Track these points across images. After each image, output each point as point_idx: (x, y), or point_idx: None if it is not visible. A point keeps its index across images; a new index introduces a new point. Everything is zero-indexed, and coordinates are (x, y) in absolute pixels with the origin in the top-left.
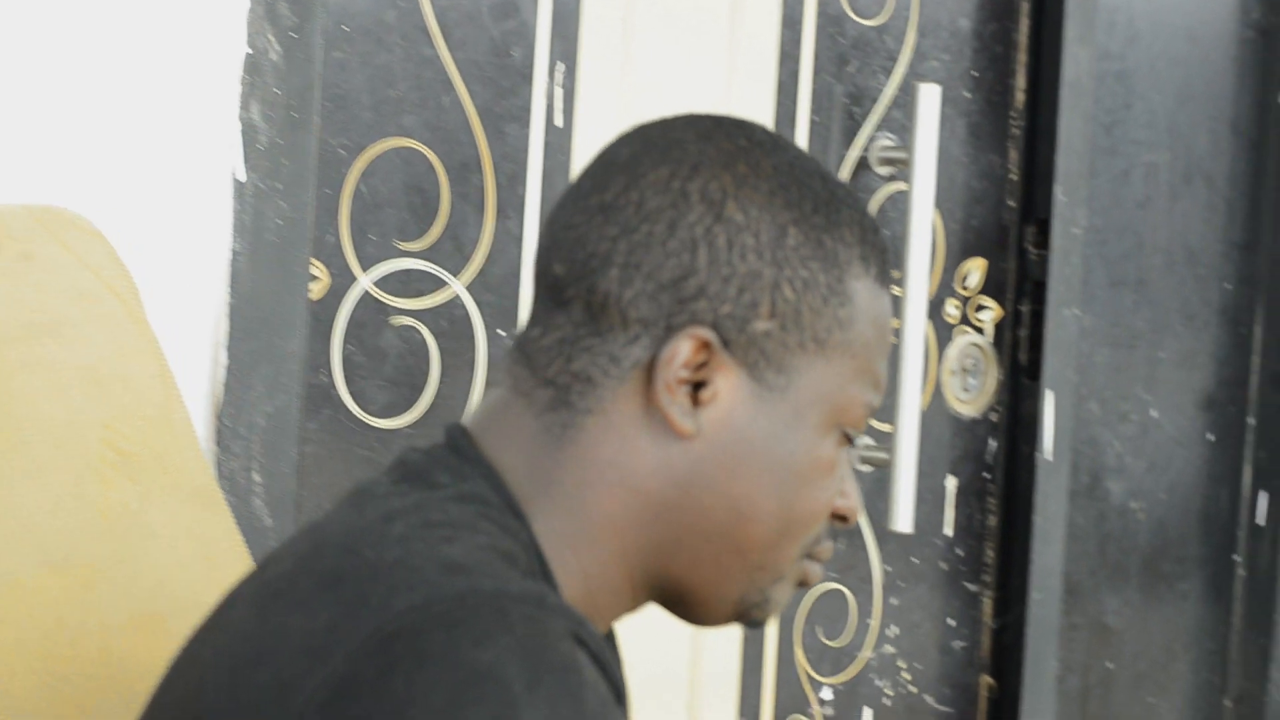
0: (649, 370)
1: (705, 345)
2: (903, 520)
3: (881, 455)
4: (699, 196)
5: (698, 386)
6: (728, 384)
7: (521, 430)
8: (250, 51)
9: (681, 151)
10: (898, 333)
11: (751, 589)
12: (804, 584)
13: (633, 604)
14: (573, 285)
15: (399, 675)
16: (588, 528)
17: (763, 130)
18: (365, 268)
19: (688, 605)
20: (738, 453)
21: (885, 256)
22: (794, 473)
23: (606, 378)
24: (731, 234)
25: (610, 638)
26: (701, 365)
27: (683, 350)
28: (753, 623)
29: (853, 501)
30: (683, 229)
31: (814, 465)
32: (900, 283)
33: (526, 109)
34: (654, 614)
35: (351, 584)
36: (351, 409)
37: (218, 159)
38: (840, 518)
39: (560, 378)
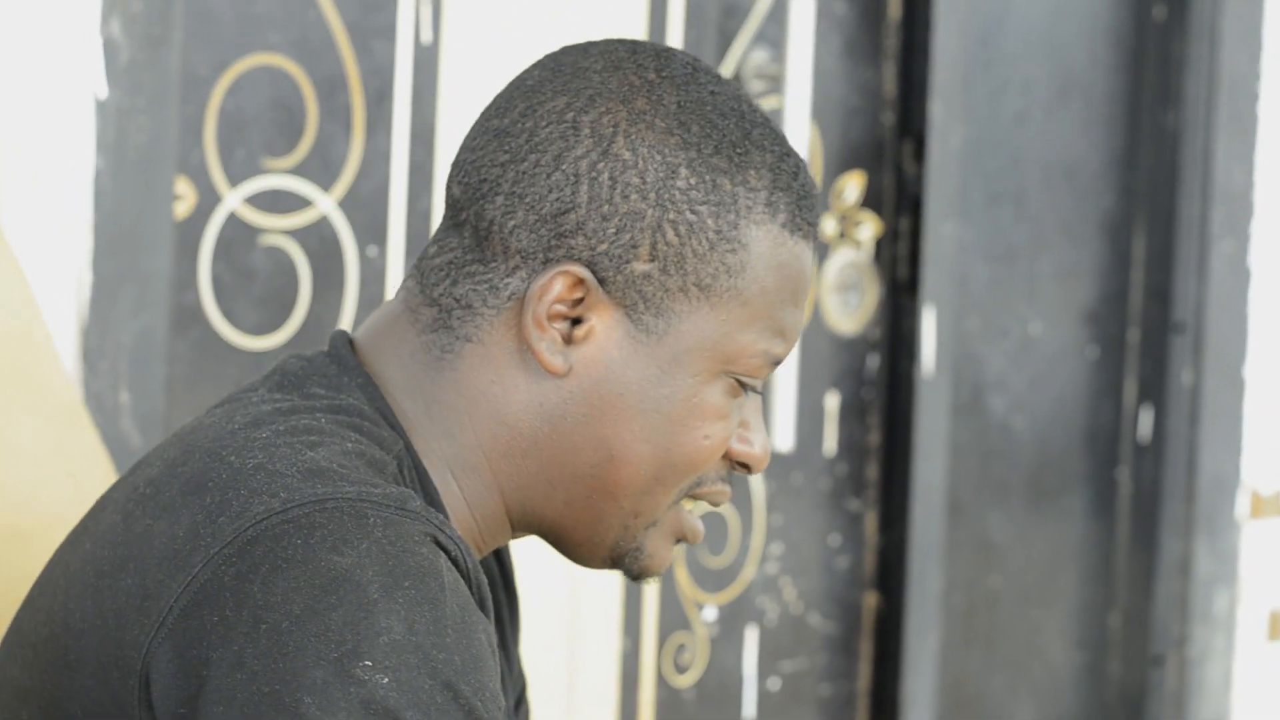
0: (523, 304)
1: (579, 283)
2: (781, 438)
3: None
4: (589, 130)
5: (576, 324)
6: (603, 323)
7: (404, 345)
8: None
9: (584, 82)
10: None
11: (625, 535)
12: (684, 539)
13: (513, 533)
14: (466, 208)
15: (256, 580)
16: (463, 453)
17: (684, 63)
18: (233, 185)
19: (563, 544)
20: (610, 393)
21: (803, 203)
22: (668, 417)
23: (485, 306)
24: (616, 171)
25: (498, 556)
26: (577, 302)
27: (555, 286)
28: (631, 573)
29: (755, 448)
30: (568, 162)
31: (692, 411)
32: None
33: (393, 25)
34: (528, 539)
35: (214, 490)
36: (220, 329)
37: (78, 77)
38: (742, 464)
39: (444, 299)
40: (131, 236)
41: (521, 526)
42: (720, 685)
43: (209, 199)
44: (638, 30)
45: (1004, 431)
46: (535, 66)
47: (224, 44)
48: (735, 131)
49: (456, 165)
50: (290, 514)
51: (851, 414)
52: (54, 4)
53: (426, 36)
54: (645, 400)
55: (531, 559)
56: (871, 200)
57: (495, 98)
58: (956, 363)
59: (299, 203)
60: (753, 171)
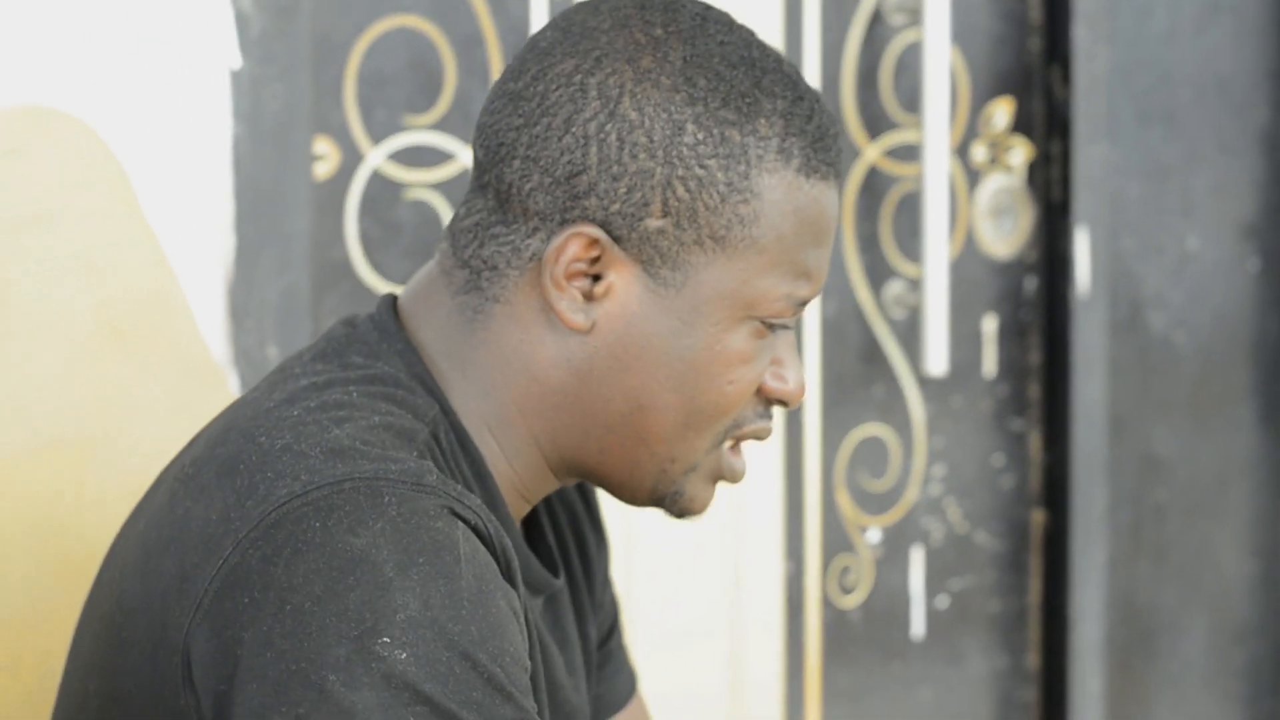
0: (543, 263)
1: (594, 242)
2: (935, 363)
3: (911, 301)
4: (596, 92)
5: (596, 280)
6: (621, 280)
7: (440, 307)
8: None
9: (591, 42)
10: (920, 180)
11: (663, 479)
12: (725, 479)
13: (557, 481)
14: (488, 171)
15: (280, 563)
16: (499, 410)
17: (692, 13)
18: (375, 143)
19: (606, 487)
20: (633, 346)
21: (820, 144)
22: (692, 366)
23: (510, 268)
24: (624, 132)
25: (582, 490)
26: (595, 260)
27: (570, 248)
28: (672, 513)
29: (790, 384)
30: (577, 125)
31: (715, 359)
32: (920, 129)
33: None
34: None
35: (244, 472)
36: (369, 281)
37: (212, 50)
38: (779, 400)
39: (473, 261)
40: (272, 199)
41: (564, 474)
42: (887, 605)
43: (352, 158)
44: None
45: (1165, 347)
46: (549, 26)
47: (360, 9)
48: (745, 81)
49: (478, 128)
50: (310, 496)
51: (1010, 336)
52: None
53: None
54: (668, 351)
55: None
56: (1022, 125)
57: (513, 59)
58: (1113, 281)
59: (440, 157)
60: (763, 120)
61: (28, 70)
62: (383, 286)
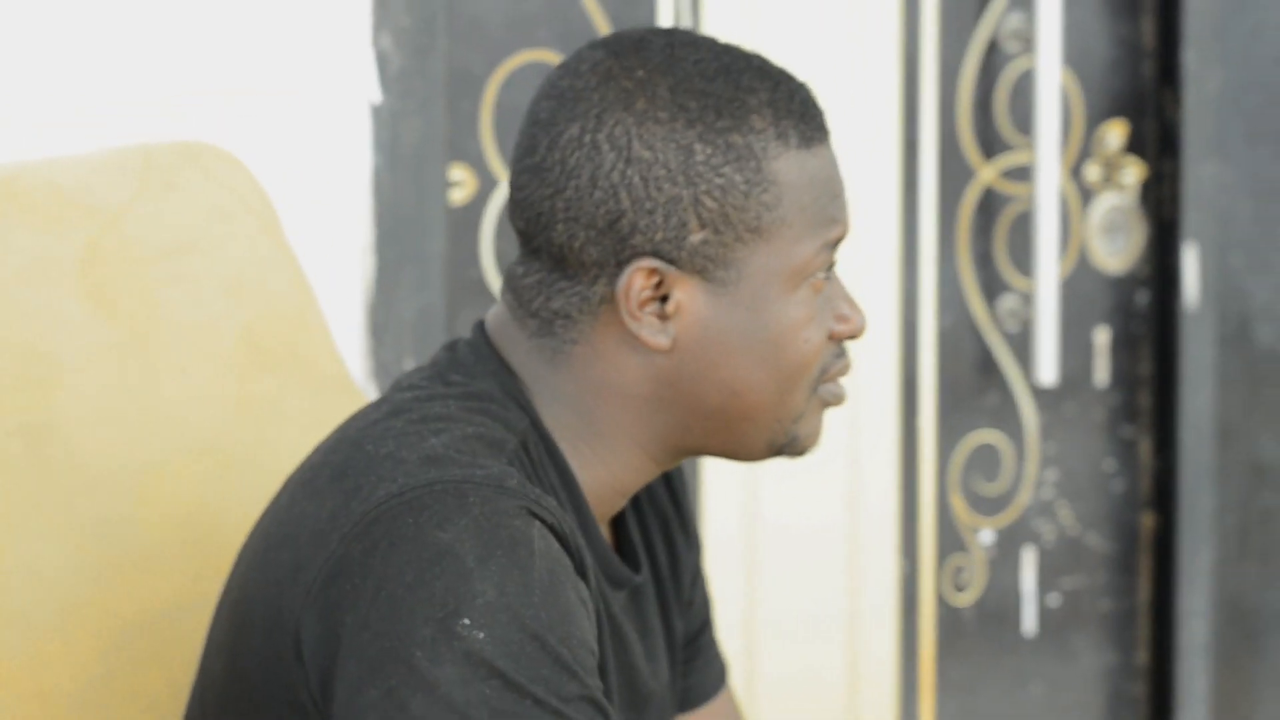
0: (615, 303)
1: (653, 272)
2: (1045, 373)
3: (1023, 314)
4: (608, 145)
5: (664, 301)
6: (686, 294)
7: (519, 344)
8: None
9: (586, 104)
10: (1032, 199)
11: (776, 435)
12: (831, 405)
13: (664, 468)
14: (534, 238)
15: (377, 555)
16: (594, 427)
17: (659, 47)
18: (508, 170)
19: (723, 456)
20: (714, 345)
21: (807, 115)
22: (771, 342)
23: (582, 314)
24: (644, 170)
25: (673, 494)
26: (659, 285)
27: (635, 283)
28: (796, 453)
29: (854, 323)
30: (602, 179)
31: (787, 327)
32: (1033, 151)
33: (652, 15)
34: (809, 470)
35: (351, 476)
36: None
37: (354, 86)
38: (849, 337)
39: (543, 312)
40: (409, 224)
41: (672, 461)
42: (1000, 603)
43: (487, 184)
44: (892, 2)
45: (1272, 359)
46: (541, 98)
47: (493, 45)
48: (727, 88)
49: (512, 204)
50: (405, 497)
51: (1122, 347)
52: (331, 22)
53: (686, 24)
54: (746, 338)
55: (807, 491)
56: (1135, 145)
57: (519, 136)
58: (1222, 295)
59: None
60: (754, 116)
61: (185, 110)
62: None
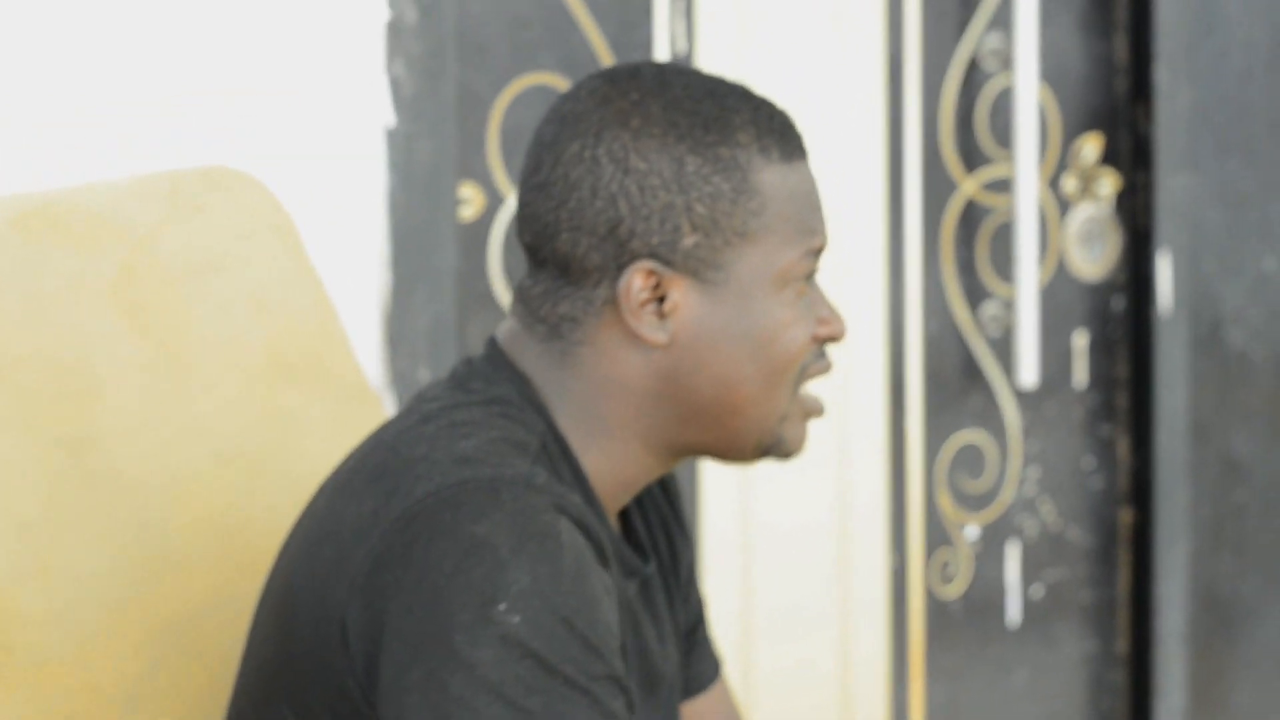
0: (616, 304)
1: (651, 273)
2: (1026, 375)
3: (1005, 319)
4: (607, 159)
5: (662, 301)
6: (681, 294)
7: (529, 351)
8: (391, 16)
9: (586, 123)
10: (1012, 210)
11: (763, 434)
12: (813, 414)
13: (665, 467)
14: (540, 250)
15: (418, 547)
16: (602, 424)
17: (651, 75)
18: (514, 188)
19: (715, 456)
20: (707, 341)
21: (786, 133)
22: (758, 339)
23: (587, 316)
24: (640, 181)
25: (668, 495)
26: (656, 286)
27: (635, 284)
28: (782, 455)
29: (835, 326)
30: (602, 189)
31: (774, 325)
32: (1011, 164)
33: (649, 39)
34: (802, 470)
35: (389, 477)
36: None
37: (369, 111)
38: (830, 338)
39: (551, 318)
40: (422, 240)
41: (673, 459)
42: (985, 595)
43: (495, 201)
44: (876, 21)
45: (1242, 361)
46: (545, 123)
47: (500, 70)
48: (713, 108)
49: (520, 220)
50: (442, 494)
51: (1099, 350)
52: (345, 51)
53: (682, 46)
54: (735, 335)
55: (798, 492)
56: (1110, 158)
57: (526, 156)
58: (1194, 301)
59: None
60: (739, 132)
61: (212, 136)
62: None
